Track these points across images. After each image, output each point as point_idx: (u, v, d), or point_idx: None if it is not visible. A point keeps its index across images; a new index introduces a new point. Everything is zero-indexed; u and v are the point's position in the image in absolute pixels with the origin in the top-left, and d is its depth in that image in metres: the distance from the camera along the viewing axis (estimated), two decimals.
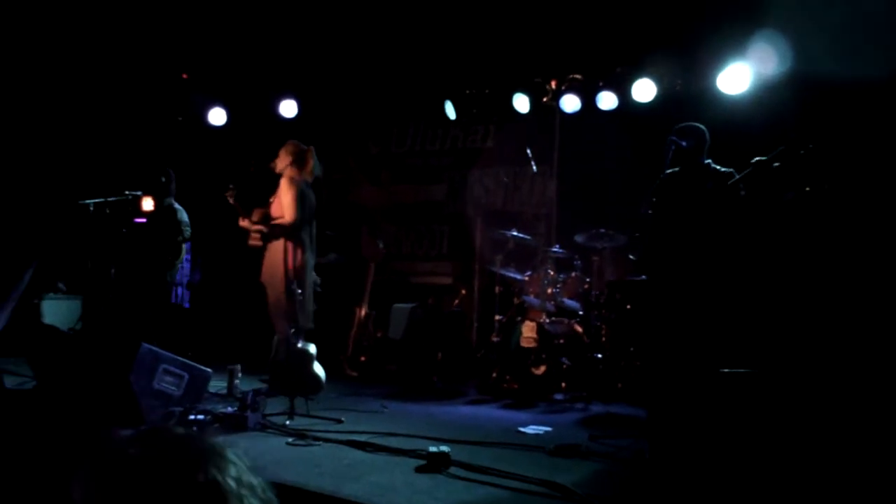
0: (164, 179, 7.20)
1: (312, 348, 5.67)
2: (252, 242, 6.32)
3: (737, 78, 7.01)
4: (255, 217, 6.24)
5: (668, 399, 4.67)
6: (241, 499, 1.09)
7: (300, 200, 6.10)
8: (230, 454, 1.13)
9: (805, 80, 6.48)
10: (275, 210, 6.13)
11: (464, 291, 8.00)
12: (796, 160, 4.92)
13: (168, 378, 5.06)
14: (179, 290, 8.95)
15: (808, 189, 6.37)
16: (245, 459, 1.15)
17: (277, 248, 6.08)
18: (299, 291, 5.65)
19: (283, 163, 6.33)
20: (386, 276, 8.60)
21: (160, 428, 1.16)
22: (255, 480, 1.14)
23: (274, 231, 6.12)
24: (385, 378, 7.46)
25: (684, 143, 5.04)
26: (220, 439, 1.17)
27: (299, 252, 6.06)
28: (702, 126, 5.21)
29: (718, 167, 5.15)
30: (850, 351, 4.81)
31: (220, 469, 1.10)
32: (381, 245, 8.33)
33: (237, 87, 9.37)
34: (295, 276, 5.90)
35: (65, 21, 8.36)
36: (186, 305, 9.30)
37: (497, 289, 7.33)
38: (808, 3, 6.41)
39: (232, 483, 1.09)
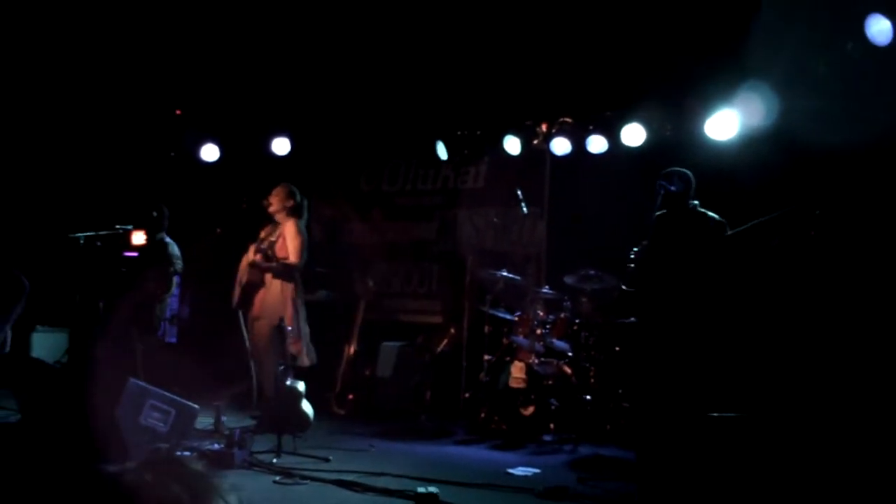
0: (156, 214, 7.21)
1: (301, 386, 5.66)
2: (250, 278, 6.43)
3: (725, 125, 7.10)
4: (252, 254, 6.44)
5: (657, 442, 4.68)
6: None
7: (306, 246, 6.52)
8: (234, 496, 1.15)
9: (790, 134, 6.59)
10: (280, 250, 6.35)
11: (453, 331, 8.00)
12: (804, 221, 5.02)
13: (155, 414, 5.03)
14: (163, 324, 8.90)
15: (793, 235, 6.47)
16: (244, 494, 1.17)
17: (276, 285, 6.36)
18: (289, 328, 5.66)
19: (279, 204, 6.55)
20: (375, 314, 8.59)
21: (174, 458, 1.19)
22: None
23: (280, 270, 6.33)
24: (373, 416, 7.41)
25: (673, 188, 5.13)
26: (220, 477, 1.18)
27: (298, 291, 6.31)
28: (687, 171, 5.31)
29: (705, 211, 5.24)
30: (840, 395, 4.85)
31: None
32: (371, 283, 8.34)
33: (230, 123, 9.41)
34: (292, 315, 6.07)
35: (59, 55, 8.41)
36: (172, 340, 9.24)
37: (486, 328, 7.34)
38: (793, 56, 6.56)
39: None
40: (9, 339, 2.83)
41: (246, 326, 6.76)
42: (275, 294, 6.44)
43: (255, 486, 4.54)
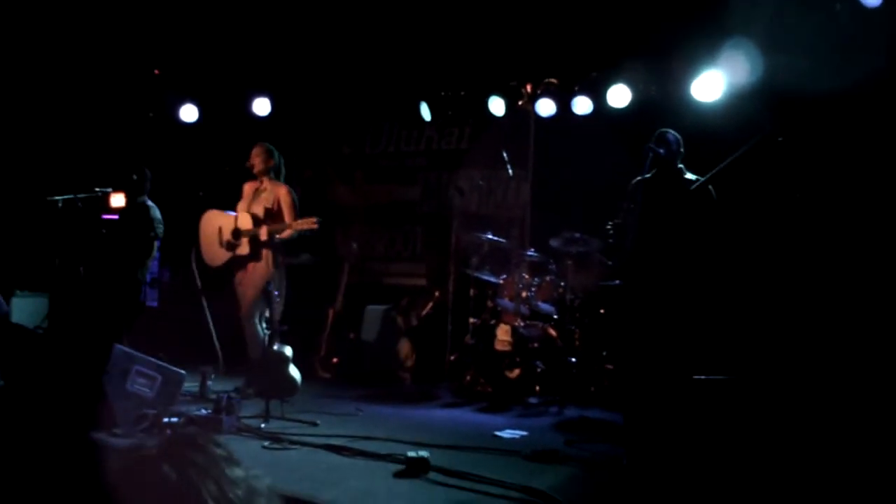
0: (136, 177, 7.09)
1: (288, 350, 5.64)
2: (241, 251, 6.41)
3: (710, 86, 7.07)
4: (246, 221, 6.40)
5: (645, 405, 4.72)
6: None
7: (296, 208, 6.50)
8: (241, 469, 1.13)
9: (777, 90, 6.57)
10: (275, 216, 6.30)
11: (437, 293, 8.00)
12: (770, 151, 5.00)
13: (141, 380, 4.99)
14: (145, 288, 8.82)
15: (777, 196, 6.50)
16: (255, 470, 1.14)
17: (266, 253, 6.36)
18: (276, 293, 5.63)
19: (262, 164, 6.50)
20: (359, 277, 8.56)
21: (183, 437, 1.16)
22: (262, 497, 1.13)
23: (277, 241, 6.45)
24: (358, 380, 7.42)
25: (661, 151, 5.10)
26: (248, 468, 1.16)
27: (281, 255, 6.25)
28: (677, 134, 5.28)
29: (690, 175, 5.22)
30: (825, 356, 4.90)
31: (229, 486, 1.09)
32: (354, 246, 8.29)
33: (210, 83, 9.25)
34: (276, 278, 6.08)
35: (35, 15, 8.20)
36: (153, 304, 9.17)
37: (472, 291, 7.35)
38: (780, 14, 6.53)
39: (239, 495, 1.09)
40: None
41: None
42: (262, 262, 6.42)
43: (245, 452, 4.53)
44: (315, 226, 6.15)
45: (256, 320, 6.28)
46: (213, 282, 6.96)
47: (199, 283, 6.77)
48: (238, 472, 1.14)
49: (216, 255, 6.65)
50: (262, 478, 1.16)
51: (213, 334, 6.82)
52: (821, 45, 5.94)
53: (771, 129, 4.94)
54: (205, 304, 6.77)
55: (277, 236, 6.34)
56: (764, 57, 6.55)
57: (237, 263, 6.54)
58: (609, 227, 5.08)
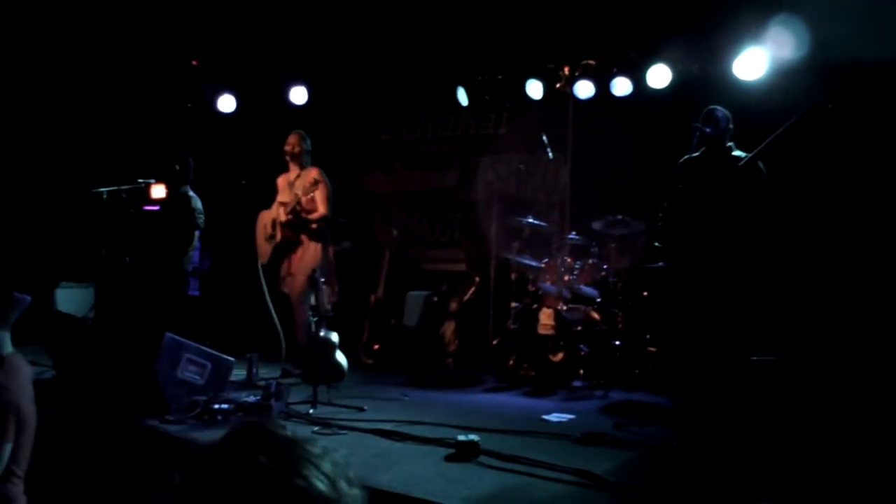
0: (178, 167, 7.15)
1: (335, 337, 5.66)
2: (284, 236, 6.50)
3: (753, 63, 6.94)
4: (279, 211, 6.49)
5: (695, 388, 4.66)
6: (331, 502, 1.06)
7: (331, 194, 6.57)
8: (327, 462, 1.10)
9: (824, 65, 6.44)
10: (308, 203, 6.39)
11: (478, 279, 7.97)
12: (821, 121, 4.89)
13: (191, 367, 5.05)
14: (187, 277, 8.92)
15: (827, 174, 6.37)
16: (344, 465, 1.12)
17: (313, 242, 6.45)
18: (322, 280, 5.66)
19: (300, 150, 6.60)
20: (399, 264, 8.57)
21: (260, 427, 1.14)
22: (349, 491, 1.11)
23: (317, 229, 6.57)
24: (401, 365, 7.44)
25: (709, 130, 5.01)
26: (318, 444, 1.14)
27: (330, 242, 6.43)
28: (726, 111, 5.17)
29: (738, 152, 5.11)
30: (881, 338, 4.80)
31: (314, 479, 1.07)
32: (394, 232, 8.31)
33: (247, 73, 9.29)
34: (325, 265, 6.21)
35: (78, 10, 8.29)
36: (195, 293, 9.26)
37: (513, 276, 7.31)
38: None
39: (322, 489, 1.06)
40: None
41: (279, 281, 6.78)
42: (310, 251, 6.54)
43: None
44: (325, 190, 6.28)
45: (307, 307, 6.35)
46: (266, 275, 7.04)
47: (262, 278, 6.83)
48: (318, 451, 1.13)
49: (264, 251, 6.81)
50: (338, 454, 1.14)
51: (278, 326, 6.87)
52: (871, 16, 5.80)
53: (821, 97, 4.83)
54: (268, 297, 6.83)
55: (306, 215, 6.39)
56: (810, 30, 6.40)
57: (280, 254, 6.64)
58: (659, 211, 5.01)
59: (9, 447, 2.61)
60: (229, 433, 1.12)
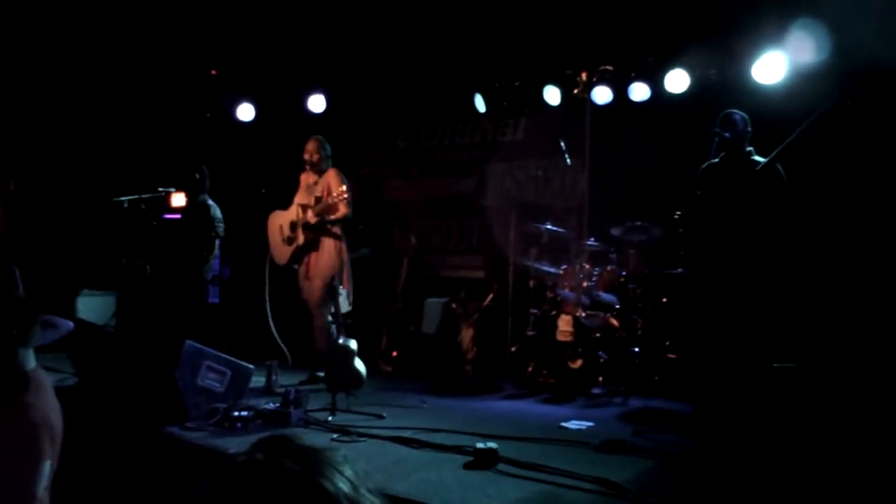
0: (198, 176, 7.23)
1: (353, 344, 5.68)
2: (306, 238, 6.53)
3: (772, 67, 6.90)
4: (297, 212, 6.52)
5: (716, 395, 4.63)
6: None
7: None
8: (348, 468, 1.13)
9: (843, 69, 6.39)
10: (329, 205, 6.44)
11: (496, 285, 7.97)
12: (839, 121, 4.84)
13: (211, 374, 5.08)
14: (207, 286, 8.98)
15: (847, 179, 6.31)
16: (362, 475, 1.14)
17: (328, 244, 6.47)
18: (341, 287, 5.68)
19: (319, 156, 6.63)
20: (417, 271, 8.58)
21: (284, 436, 1.17)
22: (370, 496, 1.13)
23: (336, 230, 6.59)
24: (419, 373, 7.44)
25: (727, 135, 4.98)
26: (339, 452, 1.16)
27: (345, 247, 6.56)
28: (745, 115, 5.14)
29: (759, 157, 5.08)
30: None
31: (338, 481, 1.09)
32: (413, 239, 8.32)
33: (265, 82, 9.36)
34: (344, 271, 6.26)
35: (97, 21, 8.38)
36: (215, 301, 9.32)
37: (531, 282, 7.30)
38: None
39: (347, 492, 1.09)
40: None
41: (299, 288, 6.81)
42: (328, 253, 6.56)
43: None
44: (345, 193, 6.27)
45: (326, 312, 6.39)
46: (282, 281, 7.05)
47: (267, 285, 6.86)
48: (340, 458, 1.15)
49: (282, 253, 6.82)
50: (358, 463, 1.16)
51: (275, 334, 6.90)
52: (891, 18, 5.74)
53: (839, 97, 4.79)
54: (268, 306, 6.86)
55: (329, 216, 6.43)
56: (831, 34, 6.35)
57: (299, 256, 6.68)
58: (677, 216, 4.99)
59: (48, 464, 2.63)
60: (254, 443, 1.15)
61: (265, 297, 6.90)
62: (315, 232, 6.59)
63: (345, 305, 6.51)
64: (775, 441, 4.06)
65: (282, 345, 6.93)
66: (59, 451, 2.84)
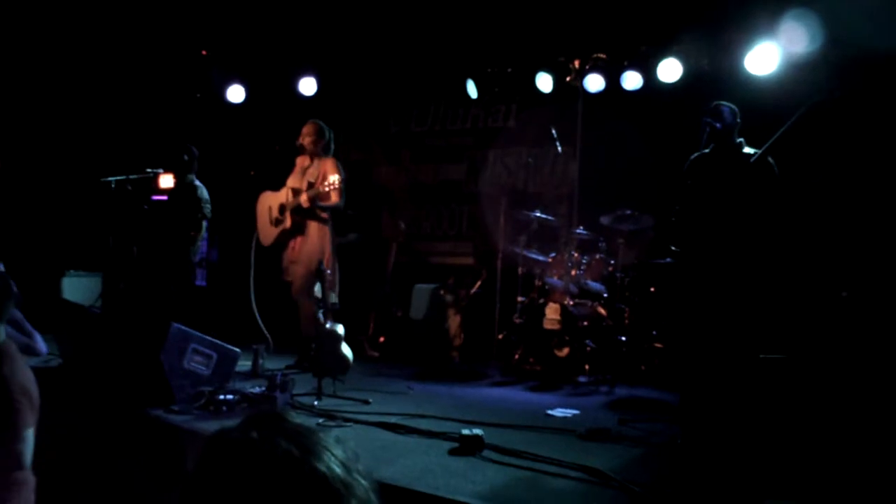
0: (186, 157, 7.18)
1: (340, 329, 5.66)
2: (294, 222, 6.48)
3: (765, 58, 6.90)
4: (287, 195, 6.47)
5: (701, 384, 4.64)
6: (348, 487, 1.08)
7: (345, 186, 6.51)
8: (340, 449, 1.12)
9: (836, 60, 6.39)
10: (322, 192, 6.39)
11: (485, 272, 7.96)
12: (828, 113, 4.84)
13: (197, 357, 5.05)
14: (194, 268, 8.94)
15: (836, 173, 6.32)
16: (354, 457, 1.13)
17: (315, 229, 6.42)
18: (328, 271, 5.65)
19: (312, 144, 6.55)
20: (406, 256, 8.57)
21: (277, 414, 1.15)
22: (361, 478, 1.12)
23: (327, 217, 6.55)
24: (406, 358, 7.44)
25: (718, 126, 4.97)
26: (332, 433, 1.16)
27: (333, 233, 6.59)
28: (733, 106, 5.14)
29: (749, 148, 5.08)
30: (889, 335, 4.77)
31: (332, 464, 1.09)
32: (402, 225, 8.29)
33: (256, 64, 9.29)
34: (330, 258, 6.21)
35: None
36: (202, 283, 9.28)
37: (520, 270, 7.29)
38: None
39: (340, 474, 1.08)
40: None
41: (283, 270, 6.77)
42: (313, 238, 6.51)
43: None
44: (337, 183, 6.25)
45: (310, 297, 6.34)
46: (268, 263, 7.01)
47: (252, 267, 6.82)
48: (332, 439, 1.15)
49: (268, 233, 6.77)
50: (349, 446, 1.15)
51: (258, 318, 6.87)
52: (884, 10, 5.74)
53: (829, 89, 4.79)
54: (251, 288, 6.83)
55: (321, 202, 6.39)
56: (823, 25, 6.35)
57: (285, 239, 6.63)
58: (673, 213, 4.99)
59: (31, 432, 2.65)
60: (246, 419, 1.14)
61: (249, 279, 6.86)
62: (303, 216, 6.55)
63: (332, 297, 6.51)
64: (760, 431, 4.07)
65: (263, 328, 6.90)
66: (38, 416, 2.86)
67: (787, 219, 5.18)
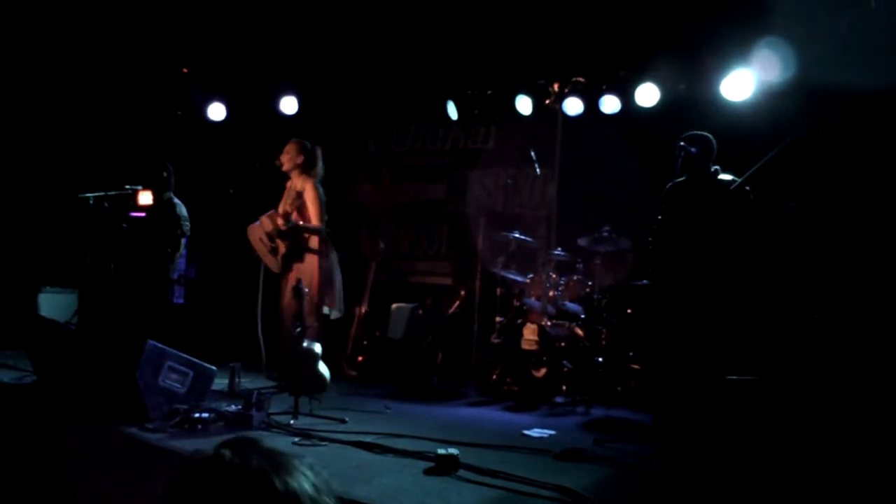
0: (164, 174, 7.18)
1: (318, 347, 5.66)
2: (289, 246, 6.46)
3: (740, 84, 7.02)
4: (269, 223, 6.44)
5: (675, 405, 4.68)
6: None
7: (324, 206, 6.53)
8: (313, 474, 1.15)
9: (809, 89, 6.51)
10: (297, 216, 6.36)
11: (463, 292, 7.99)
12: (808, 148, 4.93)
13: (173, 375, 5.03)
14: (172, 286, 8.89)
15: (809, 197, 6.43)
16: (327, 484, 1.16)
17: (307, 250, 6.40)
18: (306, 290, 5.66)
19: (291, 162, 6.52)
20: (385, 276, 8.57)
21: (251, 438, 1.18)
22: (329, 497, 1.15)
23: (308, 242, 6.53)
24: (384, 378, 7.43)
25: (693, 150, 5.05)
26: (306, 459, 1.18)
27: (330, 250, 6.60)
28: (709, 135, 5.23)
29: (725, 175, 5.16)
30: (858, 358, 4.84)
31: (303, 482, 1.11)
32: (381, 244, 8.31)
33: (237, 82, 9.31)
34: (319, 275, 6.34)
35: (66, 14, 8.29)
36: (179, 301, 9.23)
37: (498, 290, 7.33)
38: (814, 12, 6.45)
39: (311, 493, 1.11)
40: None
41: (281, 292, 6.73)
42: (309, 259, 6.50)
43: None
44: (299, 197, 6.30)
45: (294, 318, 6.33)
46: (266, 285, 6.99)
47: (260, 291, 6.80)
48: (305, 462, 1.17)
49: (271, 262, 6.71)
50: (321, 472, 1.18)
51: (261, 338, 6.83)
52: (856, 43, 5.87)
53: (809, 125, 4.89)
54: (259, 314, 6.80)
55: (294, 222, 6.37)
56: (797, 54, 6.48)
57: (289, 263, 6.58)
58: (650, 236, 5.06)
59: None
60: (221, 443, 1.16)
61: (257, 304, 6.81)
62: (292, 240, 6.51)
63: (334, 313, 6.52)
64: (733, 452, 4.11)
65: (263, 348, 6.85)
66: None
67: (761, 244, 5.26)
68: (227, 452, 1.12)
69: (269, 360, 6.91)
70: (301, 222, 6.44)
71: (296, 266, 6.51)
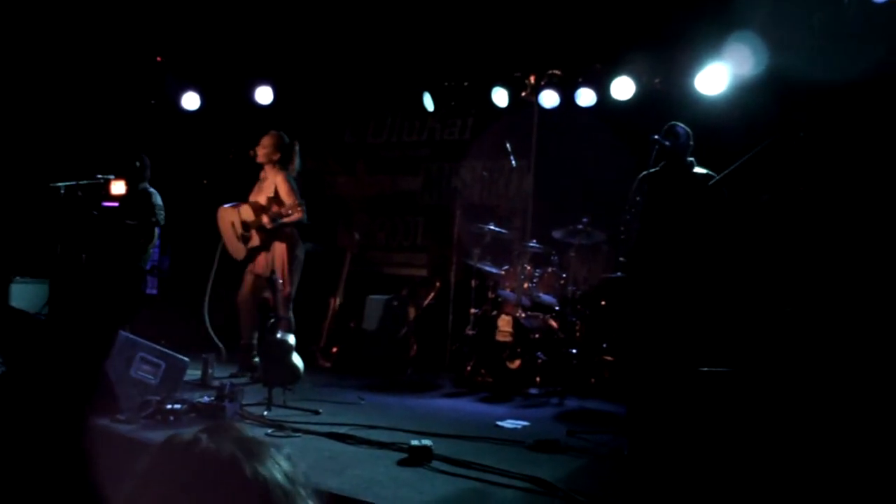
0: (139, 164, 7.12)
1: (291, 339, 5.64)
2: (261, 239, 6.44)
3: (714, 79, 7.06)
4: (248, 212, 6.42)
5: (648, 396, 4.72)
6: (289, 497, 1.10)
7: (299, 196, 6.51)
8: (288, 464, 1.15)
9: (782, 82, 6.56)
10: (274, 205, 6.39)
11: (438, 284, 8.00)
12: (788, 151, 4.98)
13: (145, 366, 4.99)
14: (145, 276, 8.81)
15: (783, 191, 6.49)
16: (298, 464, 1.16)
17: (280, 242, 6.38)
18: (280, 281, 5.64)
19: (266, 157, 6.51)
20: (360, 267, 8.56)
21: (230, 425, 1.18)
22: (304, 493, 1.15)
23: (292, 232, 6.58)
24: (359, 369, 7.42)
25: (668, 143, 5.09)
26: (284, 450, 1.18)
27: (298, 243, 6.61)
28: (686, 127, 5.26)
29: (700, 168, 5.20)
30: (831, 350, 4.90)
31: (275, 471, 1.11)
32: (356, 236, 8.29)
33: (212, 71, 9.23)
34: (289, 268, 6.34)
35: (39, 3, 8.17)
36: (152, 292, 9.15)
37: (473, 282, 7.34)
38: (786, 5, 6.51)
39: (282, 483, 1.11)
40: None
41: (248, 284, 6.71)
42: (280, 251, 6.49)
43: None
44: (298, 207, 6.28)
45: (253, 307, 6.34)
46: (226, 273, 6.95)
47: (212, 276, 6.77)
48: (280, 451, 1.17)
49: (237, 249, 6.71)
50: (298, 463, 1.18)
51: (209, 326, 6.81)
52: (828, 38, 5.93)
53: (790, 127, 4.93)
54: (207, 296, 6.77)
55: (282, 220, 6.36)
56: (769, 49, 6.53)
57: (254, 255, 6.58)
58: (621, 224, 5.08)
59: None
60: (201, 428, 1.16)
61: (207, 287, 6.79)
62: (268, 234, 6.51)
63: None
64: (704, 443, 4.16)
65: (213, 336, 6.84)
66: None
67: (733, 235, 5.30)
68: (203, 437, 1.12)
69: (229, 351, 6.91)
70: (283, 217, 6.40)
71: (265, 258, 6.50)
